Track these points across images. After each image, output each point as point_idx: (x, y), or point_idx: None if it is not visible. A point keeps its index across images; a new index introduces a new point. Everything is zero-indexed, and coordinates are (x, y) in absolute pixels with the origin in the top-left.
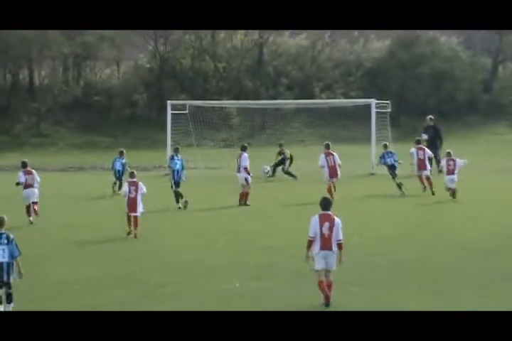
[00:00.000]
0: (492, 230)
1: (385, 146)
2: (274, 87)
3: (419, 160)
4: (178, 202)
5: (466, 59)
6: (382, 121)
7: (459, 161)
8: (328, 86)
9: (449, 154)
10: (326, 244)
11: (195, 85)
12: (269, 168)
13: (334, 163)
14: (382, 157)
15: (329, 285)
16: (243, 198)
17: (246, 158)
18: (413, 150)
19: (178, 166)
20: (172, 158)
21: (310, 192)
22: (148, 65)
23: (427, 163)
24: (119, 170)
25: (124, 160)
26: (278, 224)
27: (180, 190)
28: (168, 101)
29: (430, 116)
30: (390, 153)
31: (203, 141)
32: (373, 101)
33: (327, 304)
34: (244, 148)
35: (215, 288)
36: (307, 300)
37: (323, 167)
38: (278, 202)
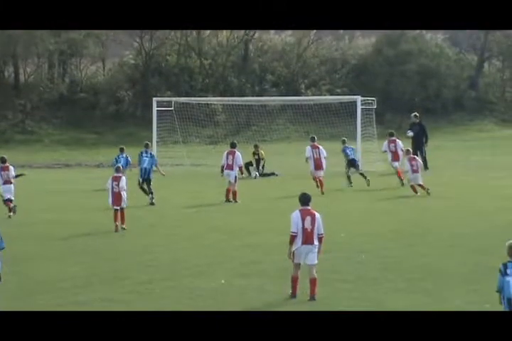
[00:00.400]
0: (480, 227)
1: (344, 142)
2: (259, 84)
3: (392, 152)
4: (148, 194)
5: (452, 56)
6: (367, 118)
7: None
8: (314, 83)
9: (408, 152)
10: (308, 239)
11: (181, 82)
12: (257, 173)
13: (319, 155)
14: (345, 151)
15: (313, 281)
16: (229, 195)
17: (240, 157)
18: (384, 145)
19: (145, 164)
20: (141, 154)
21: (296, 189)
22: (133, 62)
23: (400, 154)
24: (122, 166)
25: (125, 156)
26: (264, 221)
27: (152, 186)
28: (154, 98)
29: (415, 113)
30: (348, 147)
31: (188, 137)
32: (359, 98)
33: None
34: (234, 146)
35: (201, 285)
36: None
37: (308, 158)
38: (264, 199)
